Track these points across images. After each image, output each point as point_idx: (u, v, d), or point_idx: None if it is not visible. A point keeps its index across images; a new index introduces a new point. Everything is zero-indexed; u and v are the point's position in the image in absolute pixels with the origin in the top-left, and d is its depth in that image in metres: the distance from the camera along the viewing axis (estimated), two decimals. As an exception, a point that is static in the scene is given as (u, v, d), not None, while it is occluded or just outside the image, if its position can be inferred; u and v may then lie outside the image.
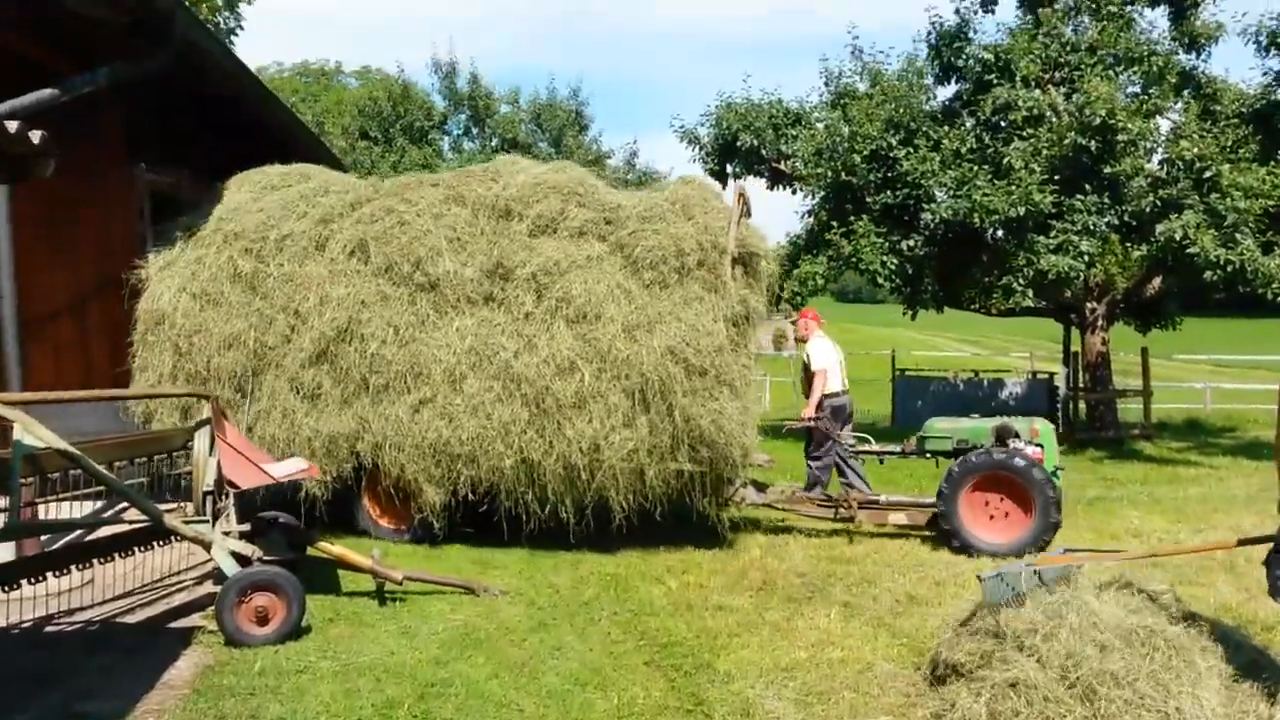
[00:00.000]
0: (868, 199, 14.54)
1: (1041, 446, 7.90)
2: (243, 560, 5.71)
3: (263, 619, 5.49)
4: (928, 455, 8.54)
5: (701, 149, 16.46)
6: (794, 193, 16.77)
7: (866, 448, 9.10)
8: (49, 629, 5.89)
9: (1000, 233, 13.66)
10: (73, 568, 5.78)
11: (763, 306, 8.22)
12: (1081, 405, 17.49)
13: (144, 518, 5.71)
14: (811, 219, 16.06)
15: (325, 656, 5.32)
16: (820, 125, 15.37)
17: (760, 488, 8.54)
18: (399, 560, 7.39)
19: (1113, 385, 16.91)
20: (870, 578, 7.02)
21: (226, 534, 5.86)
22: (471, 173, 8.58)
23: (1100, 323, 16.26)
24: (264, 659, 5.23)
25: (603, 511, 7.63)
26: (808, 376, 9.40)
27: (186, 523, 5.63)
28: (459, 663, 5.26)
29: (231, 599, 5.44)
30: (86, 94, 7.53)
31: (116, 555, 6.05)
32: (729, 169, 16.52)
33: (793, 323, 10.90)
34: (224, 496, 6.07)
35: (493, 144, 26.26)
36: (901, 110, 14.05)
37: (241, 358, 7.79)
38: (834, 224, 14.16)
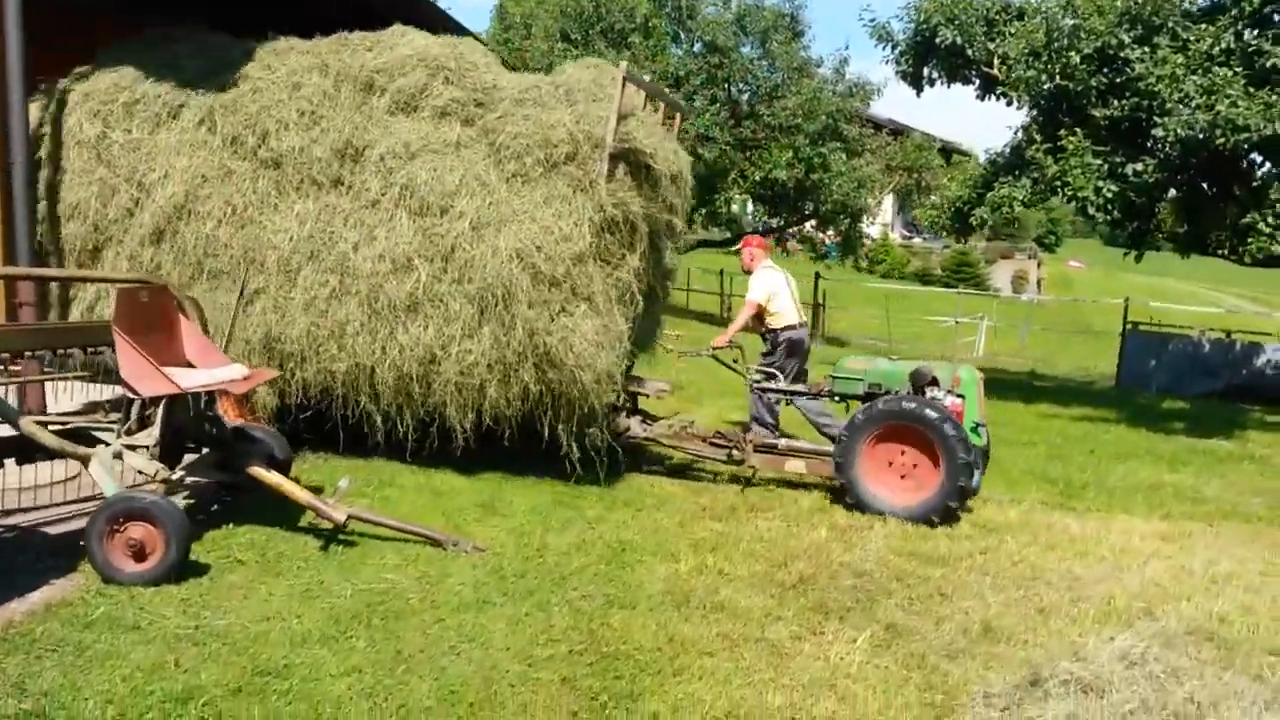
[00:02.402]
0: (1091, 110, 11.90)
1: (963, 397, 6.79)
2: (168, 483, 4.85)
3: (138, 554, 4.56)
4: (836, 398, 7.40)
5: (894, 47, 14.12)
6: (1008, 103, 14.17)
7: (774, 385, 7.79)
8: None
9: (1258, 158, 10.76)
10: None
11: (673, 218, 7.19)
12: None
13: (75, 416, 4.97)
14: (1022, 134, 13.54)
15: (184, 612, 4.32)
16: (1039, 19, 12.65)
17: (649, 419, 7.60)
18: (399, 495, 6.39)
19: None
20: (950, 590, 5.25)
21: (133, 448, 4.97)
22: (348, 40, 7.34)
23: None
24: (111, 605, 4.31)
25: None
26: (757, 313, 8.31)
27: (61, 431, 4.77)
28: (328, 645, 4.11)
29: (100, 526, 4.54)
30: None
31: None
32: (925, 71, 14.13)
33: (737, 252, 9.54)
34: (152, 404, 5.16)
35: (695, 49, 24.53)
36: (1143, 2, 11.22)
37: (82, 230, 7.09)
38: (1036, 138, 11.66)
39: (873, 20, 14.24)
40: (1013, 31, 13.35)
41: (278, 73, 7.12)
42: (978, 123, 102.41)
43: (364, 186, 6.73)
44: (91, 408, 5.56)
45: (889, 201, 38.99)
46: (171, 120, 7.15)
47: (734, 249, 15.10)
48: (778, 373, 7.86)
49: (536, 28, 27.89)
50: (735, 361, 7.93)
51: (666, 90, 8.67)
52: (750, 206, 28.04)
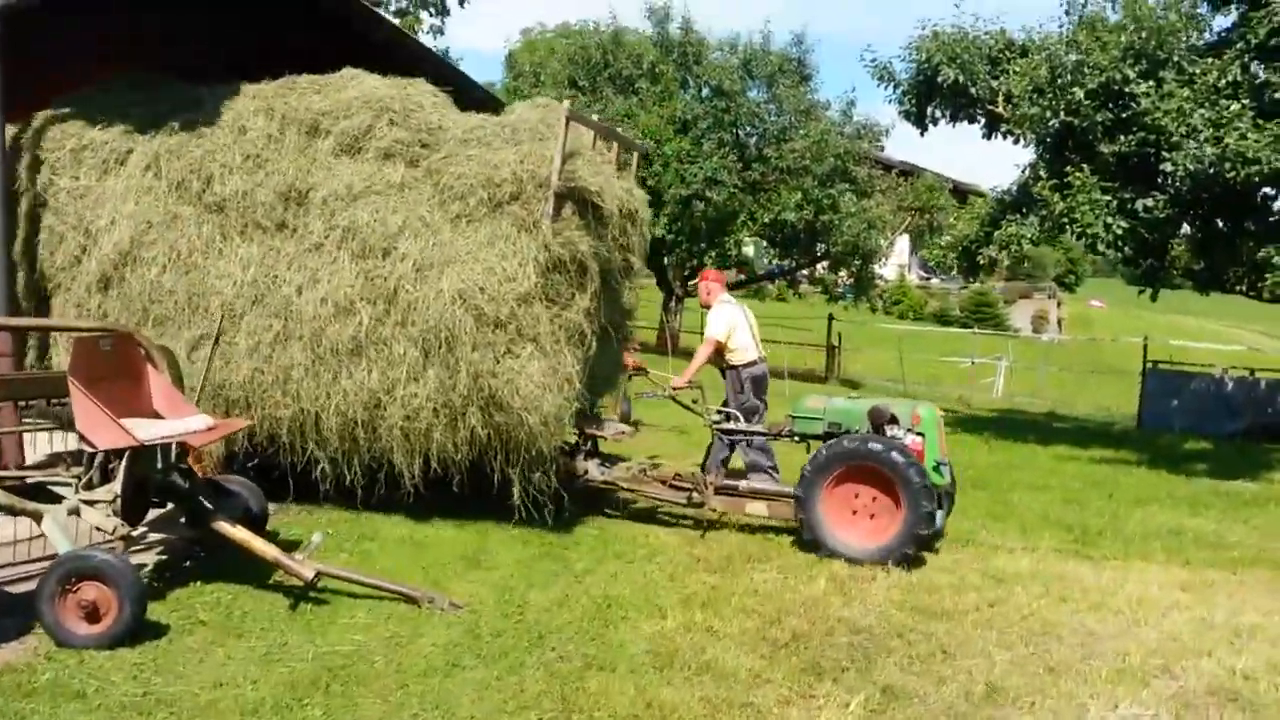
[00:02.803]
0: (1099, 147, 11.69)
1: (923, 436, 6.65)
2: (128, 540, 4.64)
3: (91, 615, 4.34)
4: (797, 439, 7.19)
5: (897, 87, 14.00)
6: (1014, 141, 13.99)
7: (732, 426, 7.57)
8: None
9: (1271, 191, 10.51)
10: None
11: (629, 256, 7.17)
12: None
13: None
14: (1029, 171, 13.35)
15: (134, 678, 4.09)
16: (1041, 55, 12.50)
17: (608, 462, 7.41)
18: (379, 549, 6.16)
19: None
20: (953, 647, 4.94)
21: (92, 503, 4.76)
22: (296, 83, 7.25)
23: None
24: (59, 670, 4.10)
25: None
26: (716, 348, 7.99)
27: (16, 487, 4.58)
28: (281, 714, 3.86)
29: (51, 587, 4.33)
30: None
31: None
32: (929, 111, 13.99)
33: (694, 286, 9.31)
34: (115, 457, 4.96)
35: (702, 93, 24.58)
36: (1147, 36, 11.06)
37: (30, 279, 7.03)
38: (1041, 175, 11.46)
39: (874, 60, 14.16)
40: (1016, 69, 13.20)
41: (223, 117, 7.07)
42: (996, 162, 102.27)
43: (307, 230, 6.66)
44: (53, 460, 5.37)
45: (904, 243, 38.80)
46: (119, 166, 7.07)
47: (747, 289, 14.86)
48: (739, 413, 7.63)
49: (546, 76, 28.11)
50: (695, 402, 7.71)
51: (620, 130, 8.50)
52: (764, 246, 27.89)
